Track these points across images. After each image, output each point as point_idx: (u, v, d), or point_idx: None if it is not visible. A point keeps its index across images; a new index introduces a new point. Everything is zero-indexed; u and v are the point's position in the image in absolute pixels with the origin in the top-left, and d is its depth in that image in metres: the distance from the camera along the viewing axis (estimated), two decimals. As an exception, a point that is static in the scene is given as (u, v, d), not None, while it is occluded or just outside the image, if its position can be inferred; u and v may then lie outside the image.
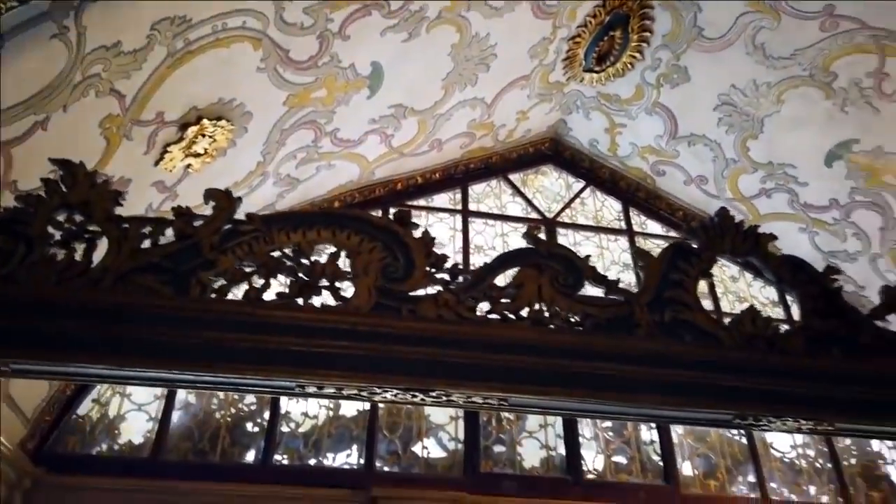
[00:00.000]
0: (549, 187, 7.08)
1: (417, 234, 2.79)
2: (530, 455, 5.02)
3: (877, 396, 3.01)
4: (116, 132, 3.75)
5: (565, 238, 6.69)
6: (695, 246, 3.24)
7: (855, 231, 5.69)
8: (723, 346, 2.91)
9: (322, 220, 2.74)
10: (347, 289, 2.68)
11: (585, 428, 5.26)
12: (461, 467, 4.85)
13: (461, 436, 5.00)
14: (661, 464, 5.23)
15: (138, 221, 2.43)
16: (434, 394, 2.54)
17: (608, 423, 5.38)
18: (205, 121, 4.34)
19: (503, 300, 2.79)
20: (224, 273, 2.55)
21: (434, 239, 2.79)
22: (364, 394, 2.50)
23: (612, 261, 6.56)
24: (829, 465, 5.65)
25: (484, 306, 2.79)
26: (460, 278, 2.83)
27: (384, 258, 2.70)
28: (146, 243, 2.44)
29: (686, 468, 5.32)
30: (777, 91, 5.18)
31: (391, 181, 6.38)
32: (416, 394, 2.52)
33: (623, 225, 6.90)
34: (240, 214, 2.60)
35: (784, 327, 3.12)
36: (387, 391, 2.46)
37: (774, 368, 2.94)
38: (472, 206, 6.63)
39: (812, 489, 5.54)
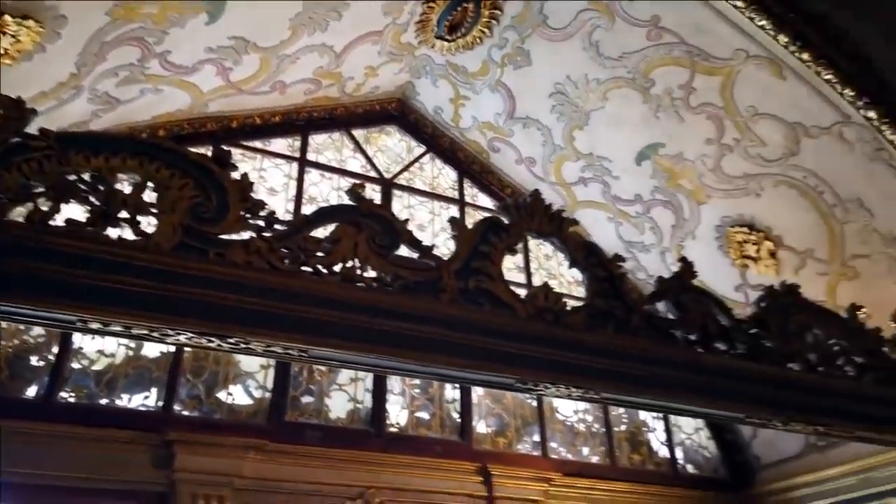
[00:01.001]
0: (392, 148, 7.13)
1: (235, 176, 2.71)
2: (337, 407, 5.14)
3: (640, 371, 3.44)
4: None
5: (400, 200, 6.80)
6: (506, 222, 3.46)
7: (652, 225, 6.39)
8: (516, 317, 3.16)
9: (130, 146, 2.56)
10: (152, 225, 2.56)
11: (394, 384, 5.48)
12: (266, 415, 4.84)
13: (270, 385, 4.98)
14: (459, 421, 5.60)
15: None
16: (232, 340, 2.52)
17: (416, 381, 5.64)
18: (7, 17, 3.83)
19: (318, 254, 2.81)
20: (6, 191, 2.32)
21: (252, 184, 2.73)
22: (155, 335, 2.41)
23: (442, 227, 6.79)
24: (603, 430, 6.38)
25: (297, 257, 2.79)
26: (276, 227, 2.81)
27: (195, 197, 2.60)
28: None
29: (481, 426, 5.74)
30: (604, 88, 5.62)
31: (226, 117, 6.05)
32: (213, 339, 2.48)
33: (457, 195, 7.16)
34: (46, 131, 2.36)
35: (571, 304, 3.46)
36: (180, 334, 2.40)
37: (557, 340, 3.25)
38: (311, 156, 6.50)
39: (585, 450, 6.24)
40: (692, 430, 6.82)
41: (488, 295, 3.19)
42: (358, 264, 2.90)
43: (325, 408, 5.08)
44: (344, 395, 5.20)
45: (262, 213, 2.73)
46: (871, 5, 4.29)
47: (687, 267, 3.91)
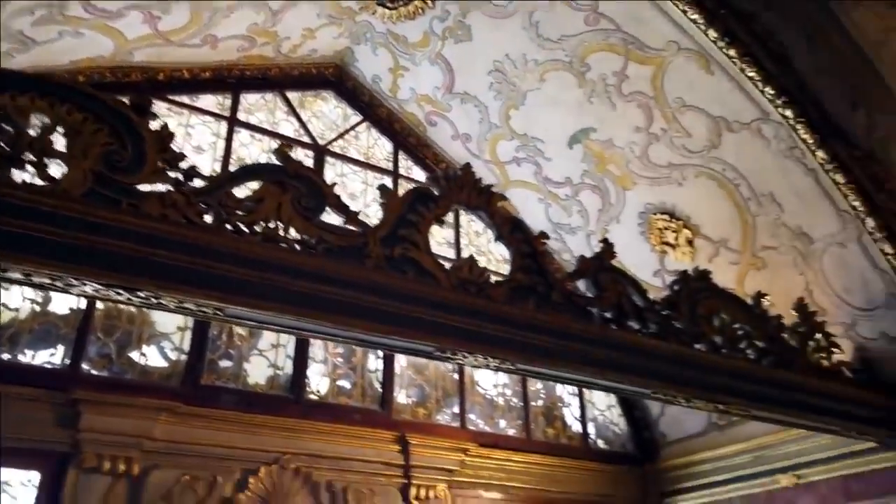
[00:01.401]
0: (327, 114, 6.99)
1: (155, 125, 2.61)
2: (257, 372, 5.06)
3: (556, 345, 3.55)
4: None
5: (333, 168, 6.70)
6: (435, 193, 3.48)
7: (580, 209, 6.54)
8: (440, 286, 3.20)
9: (39, 86, 2.41)
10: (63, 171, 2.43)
11: (317, 351, 5.44)
12: (181, 378, 4.72)
13: (187, 347, 4.85)
14: (380, 391, 5.63)
15: None
16: (142, 294, 2.44)
17: (340, 350, 5.63)
18: None
19: (239, 212, 2.75)
20: None
21: (172, 135, 2.63)
22: (58, 284, 2.31)
23: (374, 198, 6.74)
24: (521, 405, 6.56)
25: (217, 214, 2.72)
26: (196, 182, 2.72)
27: (109, 144, 2.49)
28: None
29: (402, 397, 5.79)
30: (541, 70, 5.68)
31: (152, 69, 5.77)
32: (121, 291, 2.40)
33: (391, 166, 7.10)
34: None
35: (494, 278, 3.52)
36: (86, 284, 2.31)
37: (478, 311, 3.31)
38: (242, 116, 6.30)
39: (503, 423, 6.40)
40: (604, 407, 7.10)
41: (413, 263, 3.21)
42: (281, 225, 2.85)
43: (243, 373, 5.00)
44: (264, 360, 5.12)
45: (182, 166, 2.65)
46: (797, 9, 4.49)
47: (608, 248, 4.04)
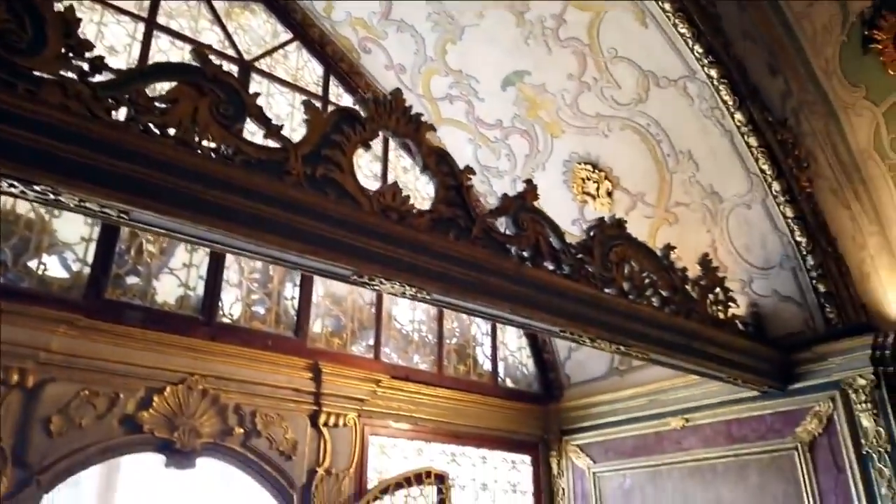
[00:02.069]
0: (255, 29, 6.63)
1: (59, 7, 2.39)
2: (166, 291, 4.89)
3: (473, 279, 3.60)
4: None
5: (259, 86, 6.40)
6: (363, 115, 3.39)
7: (507, 152, 6.58)
8: (360, 209, 3.16)
9: (-77, -52, 2.15)
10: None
11: (232, 274, 5.31)
12: (83, 291, 4.51)
13: (91, 259, 4.62)
14: (295, 318, 5.58)
15: None
16: (38, 188, 2.28)
17: (256, 275, 5.51)
18: None
19: (151, 112, 2.59)
20: None
21: (79, 20, 2.43)
22: (-57, 168, 2.12)
23: (301, 123, 6.51)
24: (435, 341, 6.68)
25: (127, 111, 2.56)
26: (105, 76, 2.54)
27: (6, 22, 2.27)
28: None
29: (317, 326, 5.77)
30: (481, 5, 5.57)
31: (62, -43, 5.27)
32: (15, 184, 2.24)
33: (320, 91, 6.87)
34: None
35: (417, 208, 3.51)
36: (-26, 171, 2.13)
37: (398, 238, 3.30)
38: (162, 20, 5.88)
39: (416, 357, 6.51)
40: (515, 349, 7.34)
41: (335, 185, 3.15)
42: (197, 130, 2.72)
43: (151, 290, 4.82)
44: (174, 279, 4.95)
45: (89, 56, 2.46)
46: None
47: (531, 188, 4.10)
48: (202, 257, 5.10)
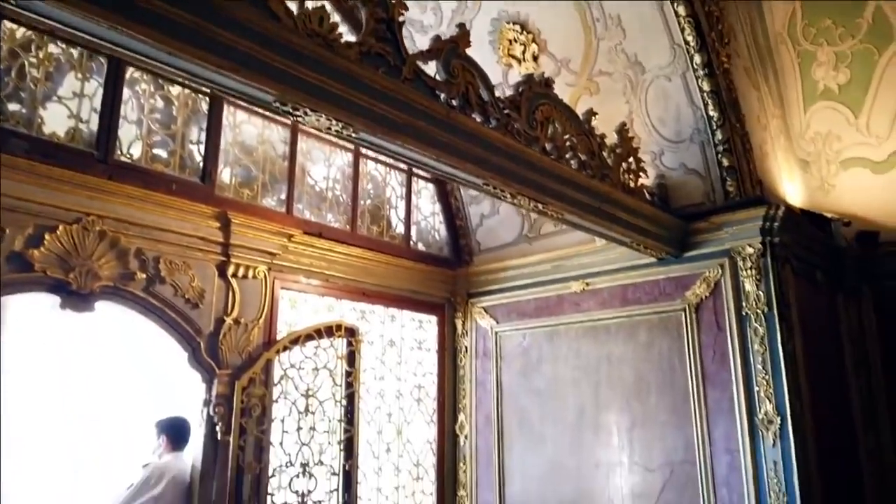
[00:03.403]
0: None
1: None
2: (55, 122, 4.40)
3: (401, 119, 3.47)
4: None
5: None
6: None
7: (434, 6, 6.24)
8: (283, 27, 2.89)
9: None
10: None
11: (130, 111, 4.85)
12: (-45, 114, 3.98)
13: (-38, 80, 4.05)
14: (201, 164, 5.25)
15: None
16: None
17: (157, 115, 5.08)
18: None
19: None
20: None
21: None
22: None
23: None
24: (349, 201, 6.56)
25: None
26: None
27: None
28: None
29: (226, 175, 5.48)
30: None
31: None
32: None
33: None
34: None
35: (346, 39, 3.26)
36: None
37: (327, 67, 3.09)
38: None
39: (329, 216, 6.39)
40: (428, 213, 7.37)
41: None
42: None
43: (38, 119, 4.33)
44: (64, 110, 4.46)
45: None
46: None
47: (464, 33, 3.91)
48: (95, 87, 4.61)
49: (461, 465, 6.89)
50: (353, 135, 3.34)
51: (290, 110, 3.03)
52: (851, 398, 6.03)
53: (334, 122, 3.17)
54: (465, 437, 6.92)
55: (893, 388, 6.02)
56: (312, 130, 6.24)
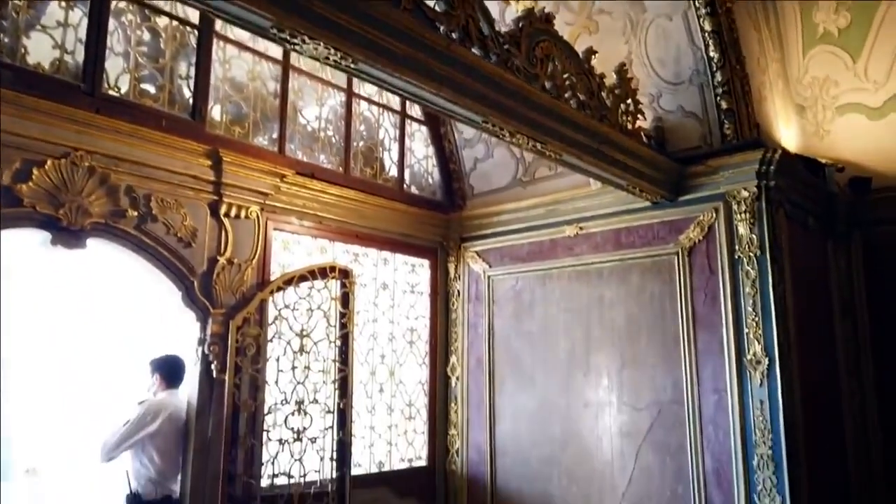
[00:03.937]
0: None
1: None
2: (39, 52, 4.25)
3: (401, 50, 3.37)
4: None
5: None
6: None
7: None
8: (283, -51, 2.77)
9: None
10: None
11: (117, 43, 4.69)
12: (-66, 41, 3.82)
13: (-61, 5, 3.88)
14: (191, 101, 5.12)
15: None
16: None
17: (144, 48, 4.91)
18: None
19: None
20: None
21: None
22: None
23: None
24: (342, 143, 6.45)
25: None
26: None
27: None
28: None
29: (216, 112, 5.35)
30: None
31: None
32: None
33: None
34: None
35: (345, -37, 3.13)
36: None
37: (325, -8, 2.96)
38: None
39: (322, 157, 6.30)
40: (422, 157, 7.28)
41: (254, -85, 2.71)
42: None
43: (21, 49, 4.17)
44: (49, 40, 4.30)
45: None
46: None
47: (463, -38, 3.78)
48: (80, 17, 4.44)
49: (452, 405, 7.00)
50: (352, 66, 3.25)
51: (288, 38, 2.93)
52: (836, 342, 6.16)
53: (332, 50, 3.08)
54: (457, 378, 7.02)
55: (878, 334, 6.15)
56: (304, 68, 6.11)
